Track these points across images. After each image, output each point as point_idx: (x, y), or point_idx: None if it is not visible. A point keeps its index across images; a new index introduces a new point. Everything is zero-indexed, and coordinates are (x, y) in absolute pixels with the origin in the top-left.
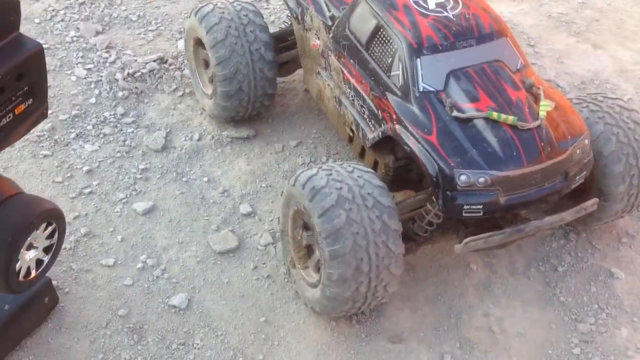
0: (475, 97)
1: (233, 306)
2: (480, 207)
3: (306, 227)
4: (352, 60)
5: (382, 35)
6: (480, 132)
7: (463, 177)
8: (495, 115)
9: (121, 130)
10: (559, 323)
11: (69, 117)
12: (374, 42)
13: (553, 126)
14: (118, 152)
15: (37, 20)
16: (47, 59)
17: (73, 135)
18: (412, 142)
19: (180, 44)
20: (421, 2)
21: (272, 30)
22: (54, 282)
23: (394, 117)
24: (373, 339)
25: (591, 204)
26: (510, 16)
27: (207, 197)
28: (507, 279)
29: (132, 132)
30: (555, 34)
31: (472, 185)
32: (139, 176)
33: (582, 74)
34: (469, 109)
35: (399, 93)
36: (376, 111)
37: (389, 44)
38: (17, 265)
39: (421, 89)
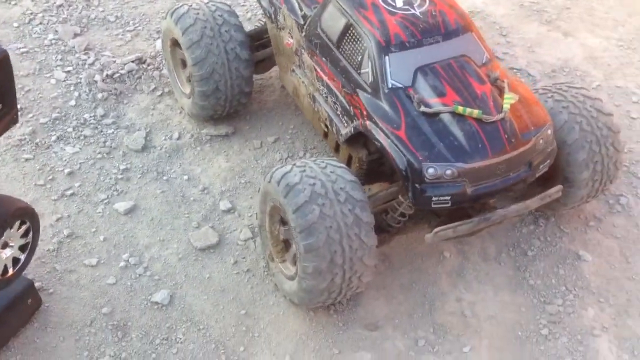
0: (442, 92)
1: (214, 300)
2: (449, 198)
3: (283, 222)
4: (324, 58)
5: (352, 34)
6: (446, 126)
7: (431, 170)
8: (460, 109)
9: (101, 131)
10: (528, 305)
11: (50, 120)
12: (345, 41)
13: (517, 118)
14: (99, 153)
15: (15, 24)
16: (26, 63)
17: (54, 138)
18: (382, 137)
19: (158, 43)
20: (389, 1)
21: (248, 28)
22: (38, 284)
23: (365, 113)
24: (350, 327)
25: (555, 191)
26: (483, 6)
27: (187, 195)
28: (479, 265)
29: (112, 133)
30: (527, 23)
31: (440, 177)
32: (120, 176)
33: (552, 62)
34: (435, 104)
35: (369, 90)
36: (348, 107)
37: (358, 42)
38: None
39: (390, 86)
